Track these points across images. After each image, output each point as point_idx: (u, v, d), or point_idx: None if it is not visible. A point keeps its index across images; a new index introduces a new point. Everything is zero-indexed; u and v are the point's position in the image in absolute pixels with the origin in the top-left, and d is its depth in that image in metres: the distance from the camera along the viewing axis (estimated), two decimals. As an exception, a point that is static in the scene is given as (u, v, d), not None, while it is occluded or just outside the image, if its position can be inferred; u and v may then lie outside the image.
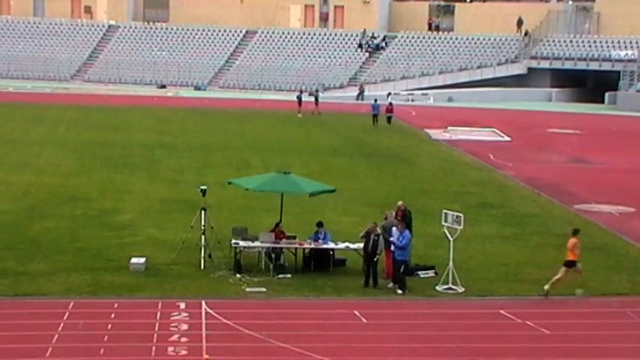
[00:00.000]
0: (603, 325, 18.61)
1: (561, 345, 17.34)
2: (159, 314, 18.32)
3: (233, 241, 21.92)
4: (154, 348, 16.55)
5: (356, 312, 18.84)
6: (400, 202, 22.65)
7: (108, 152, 39.91)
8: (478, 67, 76.13)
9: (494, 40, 78.36)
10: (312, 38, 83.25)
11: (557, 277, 20.18)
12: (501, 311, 19.17)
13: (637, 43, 72.03)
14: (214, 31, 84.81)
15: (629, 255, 24.41)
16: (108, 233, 24.89)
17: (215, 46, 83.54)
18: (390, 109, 54.36)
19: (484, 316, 18.98)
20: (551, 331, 18.07)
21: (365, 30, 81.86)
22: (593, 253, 24.37)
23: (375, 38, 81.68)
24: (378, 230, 21.10)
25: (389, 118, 53.75)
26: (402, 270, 20.31)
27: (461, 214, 20.91)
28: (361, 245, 21.26)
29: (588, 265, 23.11)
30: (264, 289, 20.20)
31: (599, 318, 19.05)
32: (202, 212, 21.79)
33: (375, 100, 56.62)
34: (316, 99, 59.24)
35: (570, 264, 20.23)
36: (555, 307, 19.68)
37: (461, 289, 20.42)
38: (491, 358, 16.69)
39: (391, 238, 20.69)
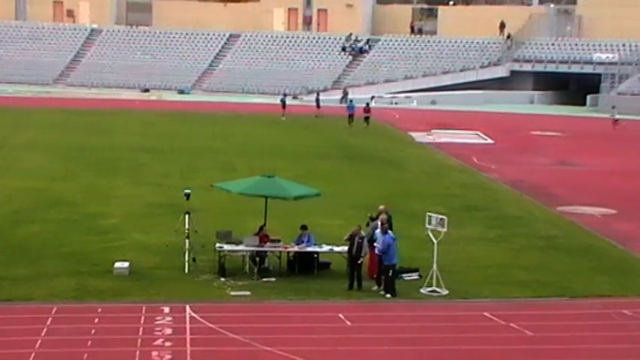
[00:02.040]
0: (586, 326, 18.71)
1: (544, 347, 17.43)
2: (143, 318, 18.29)
3: (217, 244, 21.91)
4: (137, 352, 16.52)
5: (340, 315, 18.87)
6: (382, 207, 22.74)
7: (92, 156, 39.79)
8: (461, 70, 76.40)
9: (477, 43, 78.65)
10: (295, 42, 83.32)
11: None
12: (485, 313, 19.25)
13: (618, 46, 72.46)
14: (198, 34, 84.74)
15: (612, 257, 24.55)
16: (92, 237, 24.82)
17: (199, 49, 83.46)
18: (367, 109, 55.10)
19: (468, 319, 19.04)
20: (535, 332, 18.16)
21: (350, 34, 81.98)
22: (575, 254, 24.54)
23: (358, 41, 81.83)
24: (363, 233, 21.15)
25: (366, 119, 54.39)
26: (390, 274, 20.34)
27: (445, 217, 20.98)
28: (346, 248, 21.30)
29: (571, 267, 23.28)
30: (248, 293, 20.20)
31: (582, 320, 19.15)
32: (187, 216, 21.77)
33: (351, 101, 57.64)
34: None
35: None
36: (539, 309, 19.77)
37: (445, 292, 20.48)
38: (476, 360, 16.77)
39: (375, 243, 20.77)
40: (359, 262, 20.76)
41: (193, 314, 18.53)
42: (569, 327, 18.62)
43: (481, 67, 76.63)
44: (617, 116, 57.38)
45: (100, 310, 18.70)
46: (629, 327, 18.64)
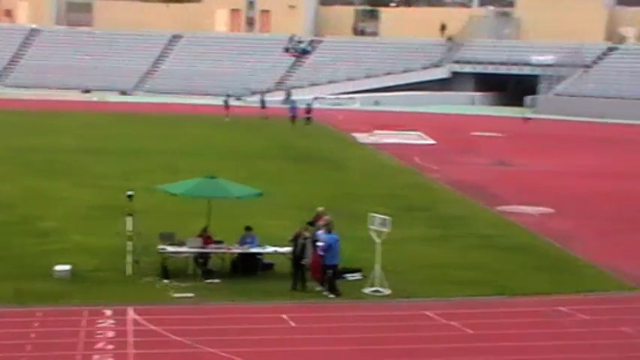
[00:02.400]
0: (525, 323, 19.04)
1: (484, 344, 17.71)
2: (84, 322, 18.14)
3: (160, 246, 21.82)
4: (79, 357, 16.38)
5: (284, 316, 18.94)
6: (320, 208, 22.89)
7: (31, 158, 39.25)
8: (403, 72, 77.07)
9: (419, 44, 79.39)
10: (238, 43, 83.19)
11: None
12: (427, 312, 19.48)
13: (555, 47, 73.80)
14: (139, 35, 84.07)
15: (549, 255, 25.02)
16: (32, 240, 24.51)
17: (140, 50, 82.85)
18: (308, 110, 55.83)
19: (410, 318, 19.25)
20: (475, 330, 18.44)
21: (293, 35, 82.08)
22: (514, 253, 24.95)
23: (301, 42, 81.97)
24: (306, 234, 21.25)
25: (308, 119, 54.93)
26: (331, 274, 20.47)
27: (388, 217, 21.18)
28: (290, 249, 21.38)
29: (510, 265, 23.68)
30: (191, 295, 20.16)
31: (520, 317, 19.47)
32: (129, 218, 21.63)
33: (293, 102, 58.62)
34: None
35: None
36: (479, 308, 20.08)
37: (387, 291, 20.67)
38: (416, 359, 16.95)
39: (318, 243, 20.89)
40: (302, 262, 20.87)
41: (136, 317, 18.43)
42: (507, 324, 18.94)
43: (423, 68, 77.37)
44: (528, 115, 58.81)
45: (40, 314, 18.49)
46: (565, 324, 19.03)
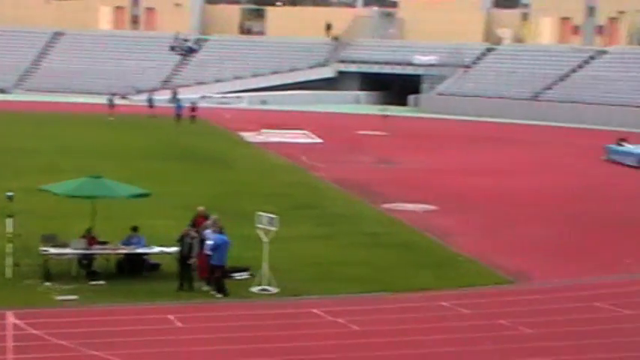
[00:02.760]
0: (409, 319, 19.48)
1: (369, 340, 18.03)
2: (-37, 327, 17.61)
3: (42, 248, 21.35)
4: (-42, 363, 15.92)
5: (170, 316, 18.83)
6: (200, 208, 22.87)
7: None
8: (290, 71, 77.37)
9: (305, 43, 79.89)
10: (123, 40, 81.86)
11: None
12: (314, 310, 19.70)
13: (437, 48, 75.50)
14: (20, 32, 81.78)
15: (433, 251, 25.64)
16: None
17: (20, 47, 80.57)
18: (193, 108, 55.86)
19: (297, 316, 19.43)
20: (361, 327, 18.76)
21: (178, 33, 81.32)
22: (399, 250, 25.47)
23: (187, 41, 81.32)
24: (193, 233, 21.18)
25: (192, 118, 55.21)
26: (218, 275, 20.46)
27: (275, 216, 21.32)
28: (177, 249, 21.26)
29: (395, 262, 24.16)
30: (75, 297, 19.81)
31: (405, 312, 19.91)
32: (9, 220, 21.08)
33: (179, 101, 58.43)
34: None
35: None
36: (364, 304, 20.42)
37: (275, 290, 20.80)
38: (303, 356, 17.13)
39: (207, 242, 20.86)
40: (189, 262, 20.79)
41: (16, 321, 17.99)
42: (392, 320, 19.32)
43: (309, 67, 77.86)
44: (387, 113, 60.38)
45: None
46: (447, 318, 19.57)
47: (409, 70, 75.45)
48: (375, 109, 71.26)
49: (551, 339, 18.13)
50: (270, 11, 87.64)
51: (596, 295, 21.12)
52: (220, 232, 21.04)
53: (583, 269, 23.75)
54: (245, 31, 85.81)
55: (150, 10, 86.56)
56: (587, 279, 22.80)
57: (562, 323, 19.06)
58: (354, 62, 78.27)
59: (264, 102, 72.24)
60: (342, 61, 78.65)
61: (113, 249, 21.83)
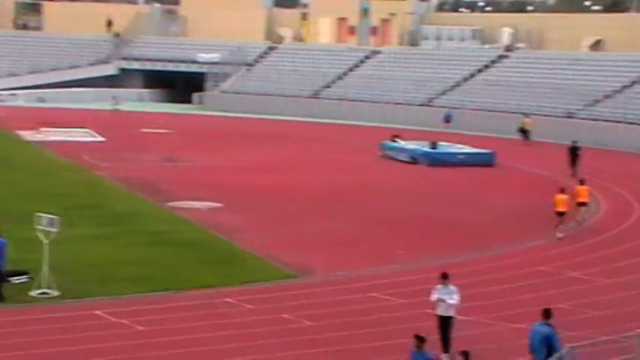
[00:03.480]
0: (194, 317, 19.62)
1: (154, 340, 18.06)
2: None
3: None
4: None
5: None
6: None
7: None
8: (70, 68, 75.25)
9: (86, 40, 77.99)
10: None
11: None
12: (97, 312, 19.46)
13: (220, 46, 75.95)
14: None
15: (218, 248, 25.93)
16: None
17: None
18: None
19: (80, 318, 19.12)
20: (145, 327, 18.76)
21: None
22: (184, 248, 25.57)
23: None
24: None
25: None
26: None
27: (56, 217, 20.85)
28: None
29: (180, 260, 24.25)
30: None
31: (190, 310, 20.05)
32: None
33: None
34: None
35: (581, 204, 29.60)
36: (149, 304, 20.39)
37: (56, 293, 20.36)
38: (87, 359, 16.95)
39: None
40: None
41: None
42: (177, 319, 19.42)
43: (90, 64, 76.07)
44: (118, 107, 61.00)
45: None
46: (233, 314, 19.92)
47: (193, 68, 75.39)
48: (160, 107, 70.75)
49: (331, 330, 18.91)
50: (47, 6, 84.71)
51: (373, 286, 22.19)
52: (-3, 236, 20.32)
53: (361, 262, 24.82)
54: (20, 26, 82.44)
55: None
56: (364, 271, 23.86)
57: (341, 314, 19.91)
58: (136, 60, 77.23)
59: (41, 100, 69.82)
60: (125, 59, 77.42)
61: None
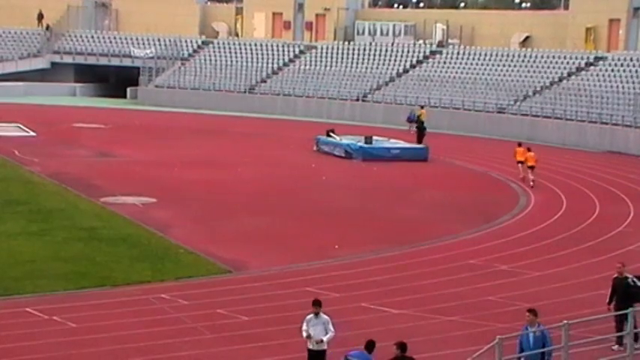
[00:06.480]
0: (127, 313, 19.47)
1: (87, 337, 17.89)
2: None
3: None
4: None
5: None
6: None
7: None
8: (0, 61, 73.87)
9: (15, 33, 76.61)
10: None
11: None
12: (27, 309, 19.19)
13: (154, 40, 75.26)
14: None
15: (151, 244, 25.73)
16: None
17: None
18: None
19: (9, 316, 18.84)
20: (78, 324, 18.56)
21: None
22: (117, 244, 25.33)
23: None
24: None
25: None
26: None
27: (-17, 214, 20.52)
28: None
29: (113, 256, 24.03)
30: None
31: (123, 307, 19.87)
32: None
33: None
34: None
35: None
36: (82, 300, 20.18)
37: (-15, 291, 20.04)
38: (18, 357, 16.68)
39: None
40: None
41: None
42: (110, 315, 19.24)
43: (20, 58, 74.74)
44: None
45: None
46: (167, 310, 19.82)
47: (127, 62, 74.62)
48: (93, 102, 69.87)
49: (265, 325, 18.92)
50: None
51: (308, 281, 22.26)
52: None
53: (296, 256, 24.88)
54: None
55: None
56: (300, 265, 23.94)
57: (275, 309, 19.93)
58: (68, 53, 76.07)
59: (-30, 94, 68.38)
60: (57, 52, 76.22)
61: None
